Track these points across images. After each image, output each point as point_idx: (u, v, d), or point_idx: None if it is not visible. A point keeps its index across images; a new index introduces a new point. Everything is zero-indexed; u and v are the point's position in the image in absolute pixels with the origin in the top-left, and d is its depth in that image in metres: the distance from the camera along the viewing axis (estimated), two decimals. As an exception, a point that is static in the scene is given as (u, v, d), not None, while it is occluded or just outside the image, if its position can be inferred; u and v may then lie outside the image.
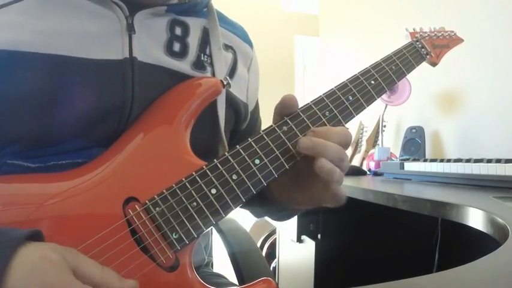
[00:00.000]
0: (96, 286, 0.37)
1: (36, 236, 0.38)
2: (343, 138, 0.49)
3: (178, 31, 0.56)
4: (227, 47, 0.63)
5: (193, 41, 0.58)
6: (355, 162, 1.79)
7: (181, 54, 0.56)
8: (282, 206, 0.59)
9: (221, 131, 0.58)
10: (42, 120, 0.46)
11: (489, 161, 0.94)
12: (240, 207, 0.54)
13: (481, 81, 1.40)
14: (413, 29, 0.72)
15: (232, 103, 0.61)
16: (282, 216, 0.67)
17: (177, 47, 0.56)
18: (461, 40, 0.78)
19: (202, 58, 0.58)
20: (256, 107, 0.71)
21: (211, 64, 0.59)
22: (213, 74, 0.58)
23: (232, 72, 0.63)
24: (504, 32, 1.31)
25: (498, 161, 0.92)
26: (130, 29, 0.51)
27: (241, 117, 0.65)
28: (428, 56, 0.69)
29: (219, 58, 0.59)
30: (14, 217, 0.41)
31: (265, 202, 0.60)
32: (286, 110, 0.51)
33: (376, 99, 0.57)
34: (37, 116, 0.46)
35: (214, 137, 0.58)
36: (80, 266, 0.37)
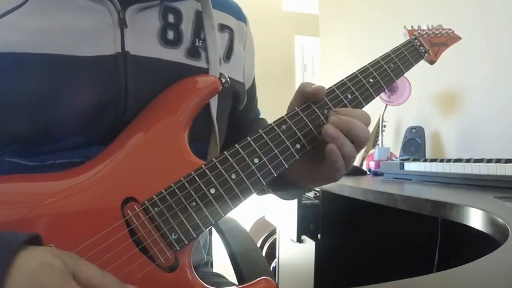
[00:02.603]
0: None
1: (34, 240, 0.38)
2: (365, 118, 0.51)
3: (171, 18, 0.56)
4: (223, 27, 0.62)
5: (187, 27, 0.57)
6: (355, 162, 1.79)
7: (176, 42, 0.56)
8: (292, 185, 0.59)
9: (213, 121, 0.58)
10: (38, 118, 0.46)
11: (489, 161, 0.94)
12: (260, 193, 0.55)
13: (481, 81, 1.40)
14: (412, 27, 0.72)
15: (229, 88, 0.60)
16: (293, 195, 0.66)
17: (171, 34, 0.55)
18: (459, 38, 0.78)
19: (197, 44, 0.58)
20: (253, 85, 0.71)
21: (206, 49, 0.58)
22: (207, 60, 0.58)
23: (229, 53, 0.63)
24: (504, 32, 1.31)
25: (498, 161, 0.92)
26: (122, 23, 0.51)
27: (240, 98, 0.65)
28: (426, 54, 0.69)
29: (213, 40, 0.59)
30: (11, 217, 0.41)
31: (283, 186, 0.60)
32: (302, 96, 0.53)
33: (374, 98, 0.58)
34: (33, 115, 0.46)
35: (207, 124, 0.58)
36: (80, 271, 0.37)
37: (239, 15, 0.67)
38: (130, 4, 0.52)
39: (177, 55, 0.55)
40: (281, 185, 0.60)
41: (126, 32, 0.51)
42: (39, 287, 0.34)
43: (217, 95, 0.58)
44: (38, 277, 0.34)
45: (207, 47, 0.58)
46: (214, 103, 0.58)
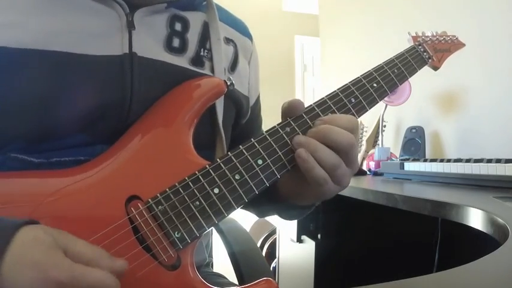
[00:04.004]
0: (86, 264, 0.37)
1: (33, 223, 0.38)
2: (349, 122, 0.50)
3: (178, 27, 0.57)
4: (228, 40, 0.63)
5: (192, 36, 0.58)
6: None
7: (181, 50, 0.56)
8: (290, 204, 0.59)
9: (219, 125, 0.58)
10: (43, 116, 0.47)
11: (489, 161, 0.94)
12: (242, 207, 0.54)
13: (481, 82, 1.40)
14: (416, 33, 0.73)
15: (233, 97, 0.61)
16: (292, 215, 0.65)
17: (176, 42, 0.56)
18: (463, 45, 0.78)
19: (201, 53, 0.58)
20: (258, 102, 0.72)
21: (211, 59, 0.59)
22: (212, 69, 0.59)
23: (233, 65, 0.63)
24: (504, 32, 1.31)
25: (498, 161, 0.92)
26: (131, 26, 0.52)
27: (243, 110, 0.65)
28: (430, 60, 0.69)
29: (219, 51, 0.59)
30: (15, 215, 0.41)
31: (274, 200, 0.60)
32: (291, 112, 0.52)
33: (378, 102, 0.58)
34: (38, 112, 0.46)
35: (213, 132, 0.58)
36: (70, 246, 0.37)
37: (245, 32, 0.68)
38: (138, 7, 0.53)
39: (181, 62, 0.56)
40: (278, 204, 0.60)
41: (134, 34, 0.52)
42: (30, 262, 0.35)
43: (222, 102, 0.58)
44: (29, 252, 0.35)
45: (212, 57, 0.59)
46: (220, 110, 0.58)
